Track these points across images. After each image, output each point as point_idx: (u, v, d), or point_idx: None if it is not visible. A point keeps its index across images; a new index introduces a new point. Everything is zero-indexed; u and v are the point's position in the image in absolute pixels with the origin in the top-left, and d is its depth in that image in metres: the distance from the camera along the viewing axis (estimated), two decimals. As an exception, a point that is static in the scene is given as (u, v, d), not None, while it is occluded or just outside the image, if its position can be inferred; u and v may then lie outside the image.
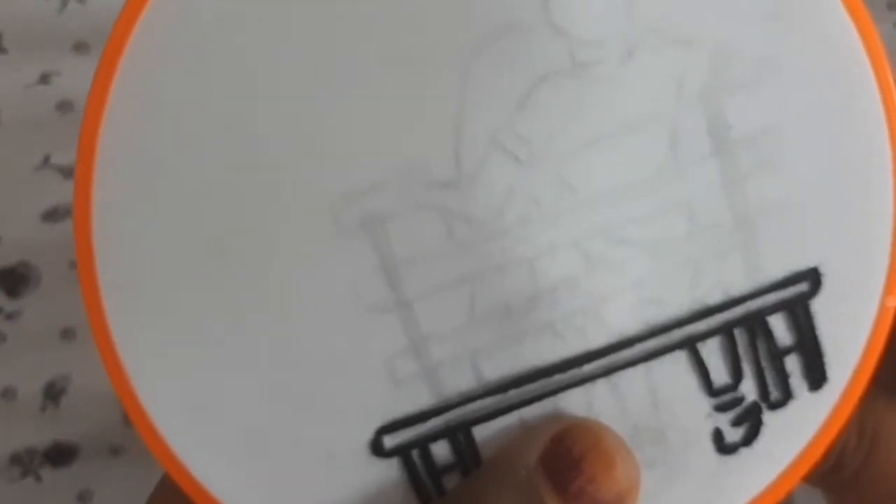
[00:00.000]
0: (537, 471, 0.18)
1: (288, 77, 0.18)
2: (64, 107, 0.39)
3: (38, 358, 0.37)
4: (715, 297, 0.19)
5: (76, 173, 0.18)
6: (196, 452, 0.18)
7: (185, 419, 0.18)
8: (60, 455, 0.37)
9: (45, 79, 0.39)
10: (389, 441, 0.19)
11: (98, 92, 0.17)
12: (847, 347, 0.20)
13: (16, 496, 0.37)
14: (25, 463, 0.37)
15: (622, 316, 0.19)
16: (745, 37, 0.18)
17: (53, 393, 0.37)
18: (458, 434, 0.19)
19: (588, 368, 0.19)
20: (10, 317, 0.38)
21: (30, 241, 0.38)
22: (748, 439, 0.20)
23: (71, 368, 0.37)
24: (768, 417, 0.20)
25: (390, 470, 0.19)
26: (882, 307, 0.20)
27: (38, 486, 0.37)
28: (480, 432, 0.19)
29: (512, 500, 0.18)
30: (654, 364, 0.19)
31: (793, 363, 0.20)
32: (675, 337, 0.19)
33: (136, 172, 0.18)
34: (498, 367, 0.19)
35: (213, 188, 0.18)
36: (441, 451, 0.19)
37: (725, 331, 0.19)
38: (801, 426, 0.20)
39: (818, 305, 0.19)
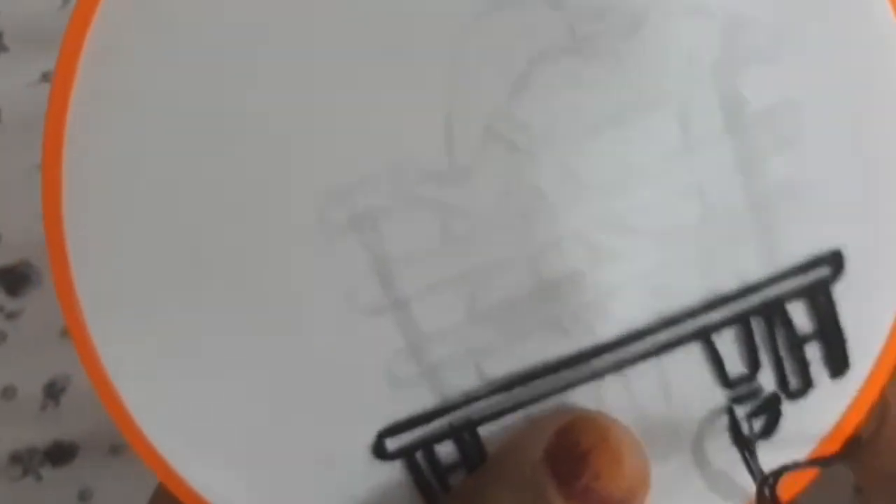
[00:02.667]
0: (542, 466, 0.17)
1: (264, 70, 0.17)
2: (65, 105, 0.39)
3: (39, 357, 0.37)
4: (730, 285, 0.18)
5: (42, 181, 0.17)
6: (194, 463, 0.18)
7: (180, 431, 0.18)
8: (61, 454, 0.37)
9: (46, 77, 0.39)
10: (392, 444, 0.18)
11: (59, 94, 0.16)
12: (871, 332, 0.19)
13: (16, 495, 0.37)
14: (26, 462, 0.37)
15: (632, 308, 0.18)
16: (760, 3, 0.17)
17: (54, 392, 0.37)
18: (463, 434, 0.18)
19: (597, 363, 0.18)
20: (11, 316, 0.37)
21: (31, 239, 0.37)
22: (767, 431, 0.19)
23: (71, 367, 0.37)
24: (787, 408, 0.19)
25: (394, 471, 0.18)
26: None
27: (39, 485, 0.37)
28: (487, 430, 0.18)
29: (516, 497, 0.17)
30: (666, 356, 0.18)
31: (813, 350, 0.19)
32: (688, 328, 0.18)
33: (107, 178, 0.17)
34: (502, 366, 0.18)
35: (190, 191, 0.17)
36: (446, 450, 0.18)
37: (741, 320, 0.18)
38: (822, 415, 0.19)
39: (840, 290, 0.18)
